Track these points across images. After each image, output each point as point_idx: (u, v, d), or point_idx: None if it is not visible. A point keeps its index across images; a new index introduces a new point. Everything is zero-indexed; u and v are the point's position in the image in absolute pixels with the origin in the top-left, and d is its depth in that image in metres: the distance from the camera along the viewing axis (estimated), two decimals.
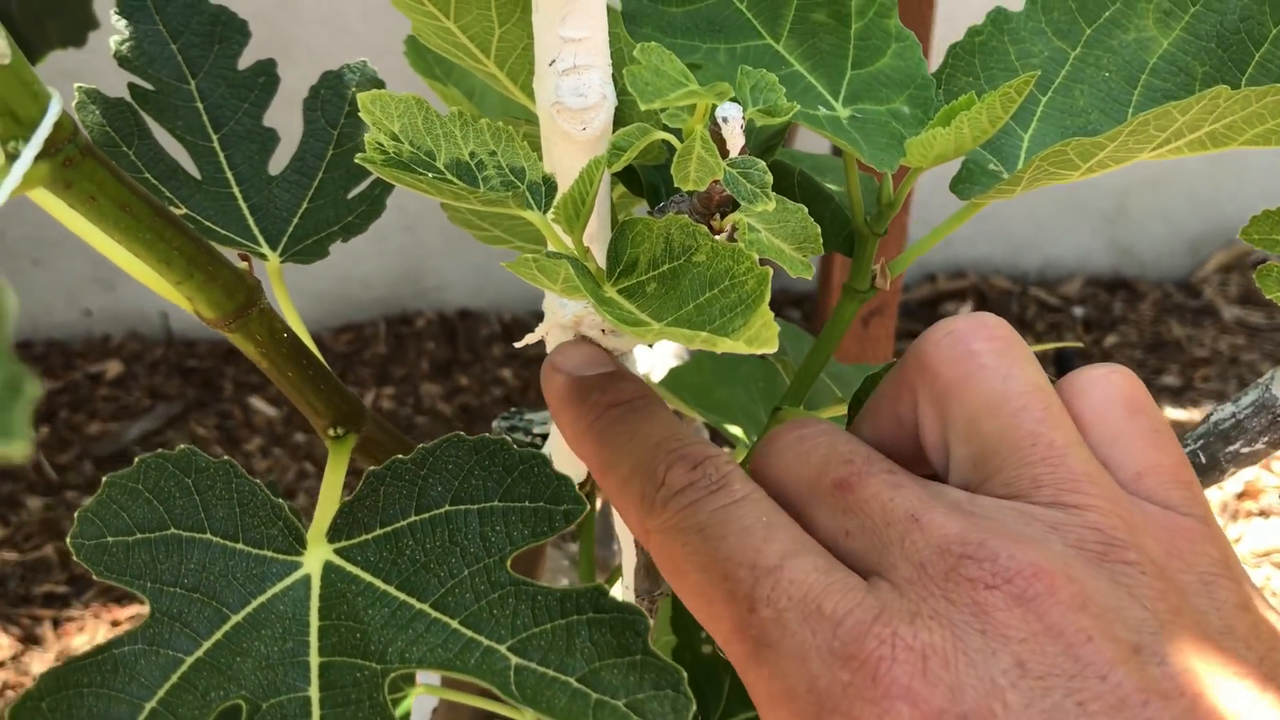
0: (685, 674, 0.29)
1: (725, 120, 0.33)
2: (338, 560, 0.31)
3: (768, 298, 0.30)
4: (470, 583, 0.30)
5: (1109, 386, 0.35)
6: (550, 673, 0.28)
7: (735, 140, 0.34)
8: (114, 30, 0.46)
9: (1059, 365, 2.40)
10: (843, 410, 0.50)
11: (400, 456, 0.31)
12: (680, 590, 0.33)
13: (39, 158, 0.26)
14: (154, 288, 0.33)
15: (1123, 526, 0.31)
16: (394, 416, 2.20)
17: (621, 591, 0.46)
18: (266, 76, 0.47)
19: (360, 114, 0.34)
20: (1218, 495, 2.02)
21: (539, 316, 2.61)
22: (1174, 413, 2.24)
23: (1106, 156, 0.37)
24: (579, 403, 0.37)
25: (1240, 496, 2.03)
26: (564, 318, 0.40)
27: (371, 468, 0.32)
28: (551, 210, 0.34)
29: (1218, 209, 2.61)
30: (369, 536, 0.31)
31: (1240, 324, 2.51)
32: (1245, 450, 0.45)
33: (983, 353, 0.34)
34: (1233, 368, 2.39)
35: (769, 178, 0.33)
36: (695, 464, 0.34)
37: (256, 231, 0.44)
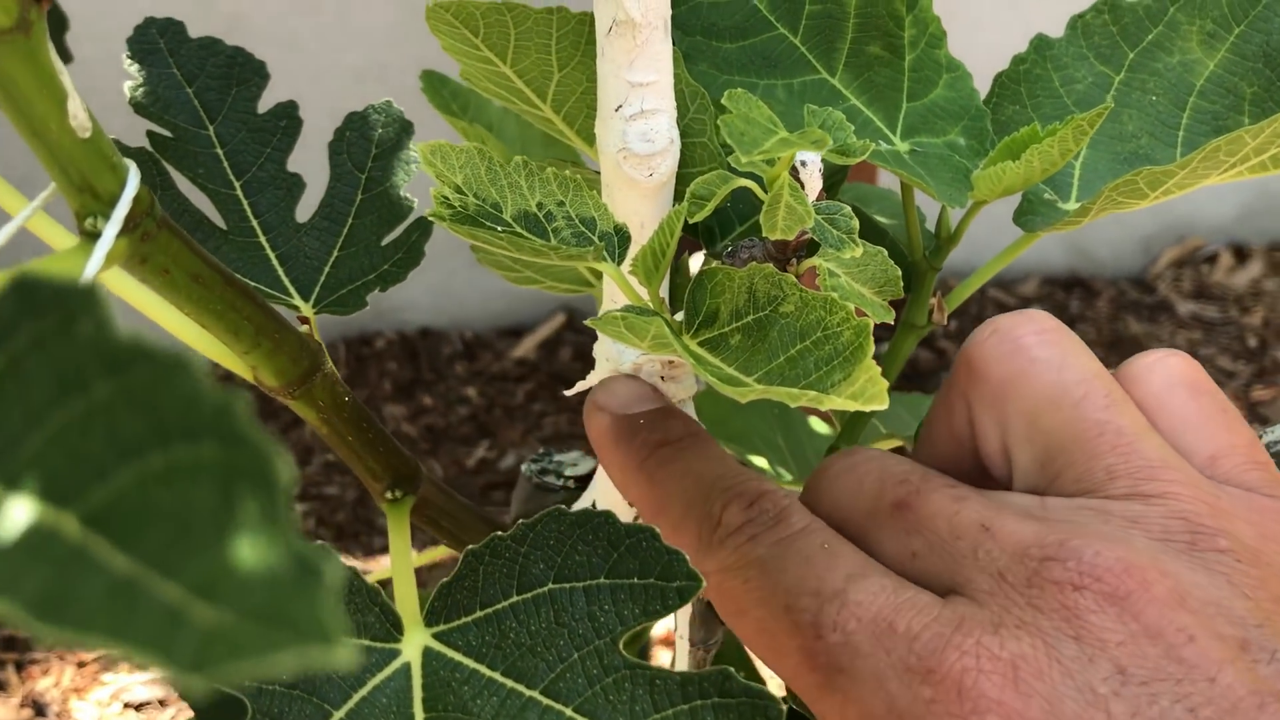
0: None
1: (804, 164, 0.32)
2: (437, 646, 0.29)
3: (870, 350, 0.29)
4: (581, 666, 0.28)
5: (1168, 370, 0.33)
6: None
7: (814, 184, 0.33)
8: (127, 75, 0.44)
9: None
10: (892, 443, 0.49)
11: (499, 534, 0.30)
12: (743, 632, 0.32)
13: (119, 234, 0.24)
14: (215, 357, 0.31)
15: (1209, 512, 0.29)
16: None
17: (676, 642, 0.45)
18: (289, 120, 0.45)
19: (422, 167, 0.33)
20: None
21: (501, 333, 2.58)
22: None
23: (1175, 184, 0.36)
24: (626, 442, 0.36)
25: None
26: (623, 365, 0.39)
27: (470, 546, 0.30)
28: (628, 263, 0.32)
29: (1168, 206, 2.65)
30: (469, 619, 0.29)
31: (1195, 319, 2.54)
32: None
33: (1033, 345, 0.32)
34: None
35: (855, 222, 0.32)
36: (751, 500, 0.33)
37: (287, 282, 0.43)
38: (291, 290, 0.43)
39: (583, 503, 0.48)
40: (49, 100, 0.23)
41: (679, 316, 0.34)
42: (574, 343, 2.35)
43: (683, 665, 0.46)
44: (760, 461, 0.61)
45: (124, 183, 0.24)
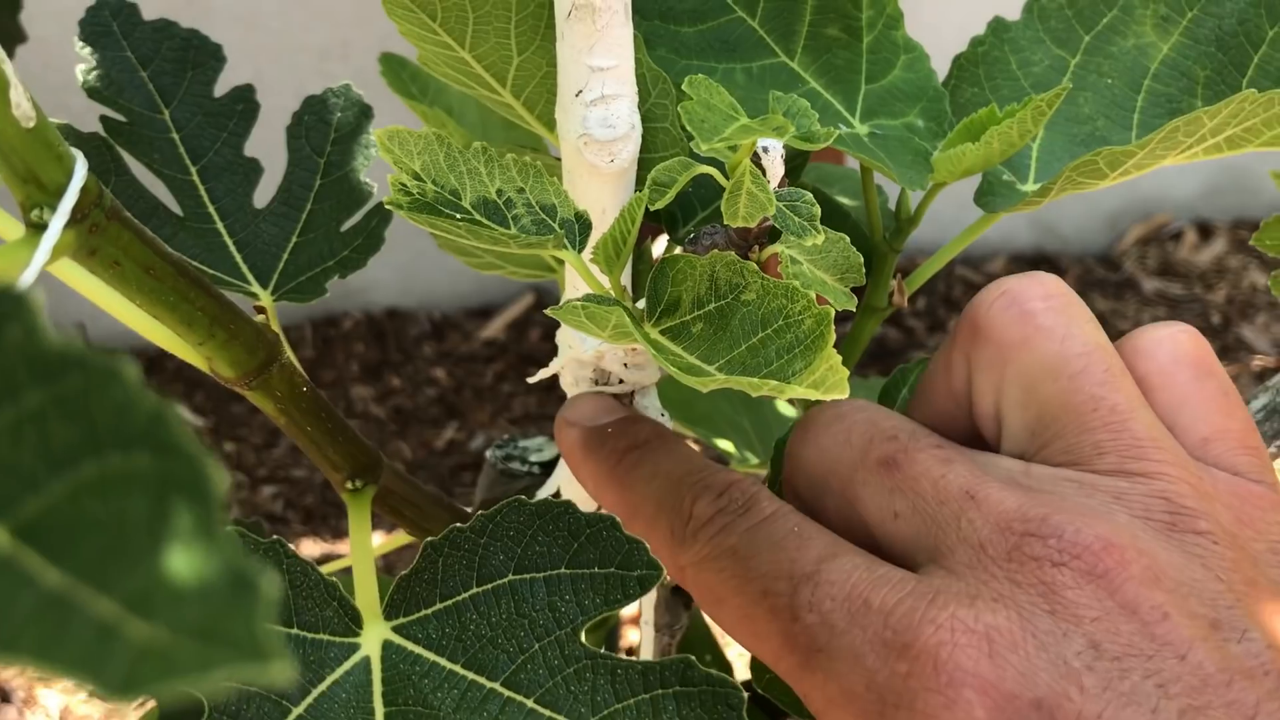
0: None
1: (766, 150, 0.32)
2: (397, 639, 0.29)
3: (831, 339, 0.29)
4: (542, 657, 0.28)
5: (1175, 346, 0.33)
6: None
7: (776, 171, 0.33)
8: (80, 58, 0.44)
9: None
10: None
11: (459, 525, 0.30)
12: (723, 621, 0.32)
13: (66, 225, 0.24)
14: (169, 347, 0.31)
15: (1191, 494, 0.30)
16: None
17: (641, 628, 0.45)
18: (245, 104, 0.45)
19: (379, 153, 0.33)
20: None
21: (470, 314, 2.57)
22: None
23: (1133, 164, 0.37)
24: (595, 451, 0.36)
25: None
26: (584, 353, 0.39)
27: (430, 538, 0.30)
28: (589, 250, 0.32)
29: (1134, 184, 2.66)
30: (428, 611, 0.29)
31: (1160, 295, 2.56)
32: None
33: (1039, 312, 0.32)
34: None
35: (817, 210, 0.32)
36: (720, 491, 0.33)
37: (245, 269, 0.42)
38: (250, 277, 0.42)
39: (547, 488, 0.48)
40: None
41: (641, 303, 0.34)
42: (543, 323, 2.34)
43: (648, 650, 0.46)
44: (726, 444, 0.61)
45: (71, 173, 0.24)
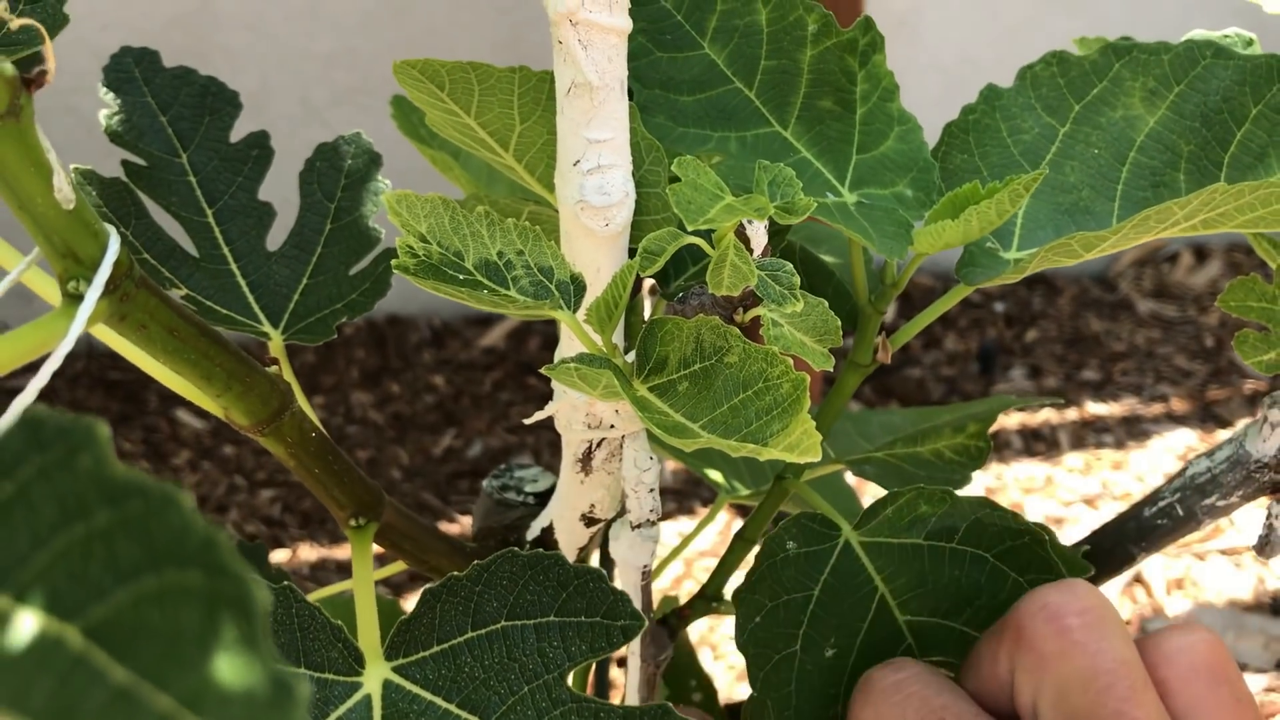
0: None
1: (750, 223, 0.34)
2: (396, 679, 0.31)
3: (806, 404, 0.31)
4: (531, 699, 0.30)
5: (1194, 655, 0.37)
6: None
7: (759, 240, 0.35)
8: (103, 104, 0.46)
9: (982, 359, 2.46)
10: (835, 467, 0.51)
11: (456, 574, 0.32)
12: None
13: (99, 296, 0.26)
14: (191, 398, 0.33)
15: None
16: (325, 426, 2.16)
17: (629, 658, 0.47)
18: (260, 149, 0.47)
19: (389, 216, 0.35)
20: (1138, 487, 2.09)
21: (470, 322, 2.59)
22: (1095, 407, 2.31)
23: (1107, 246, 0.39)
24: None
25: None
26: (577, 399, 0.41)
27: (429, 585, 0.32)
28: (583, 311, 0.34)
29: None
30: (426, 654, 0.31)
31: (1155, 318, 2.58)
32: (1220, 504, 0.48)
33: (1075, 628, 0.36)
34: (1150, 361, 2.46)
35: (796, 279, 0.34)
36: None
37: (257, 309, 0.44)
38: (261, 317, 0.44)
39: (541, 520, 0.50)
40: (36, 177, 0.24)
41: (631, 357, 0.36)
42: (542, 332, 2.36)
43: (634, 679, 0.48)
44: (716, 475, 0.63)
45: (105, 248, 0.26)
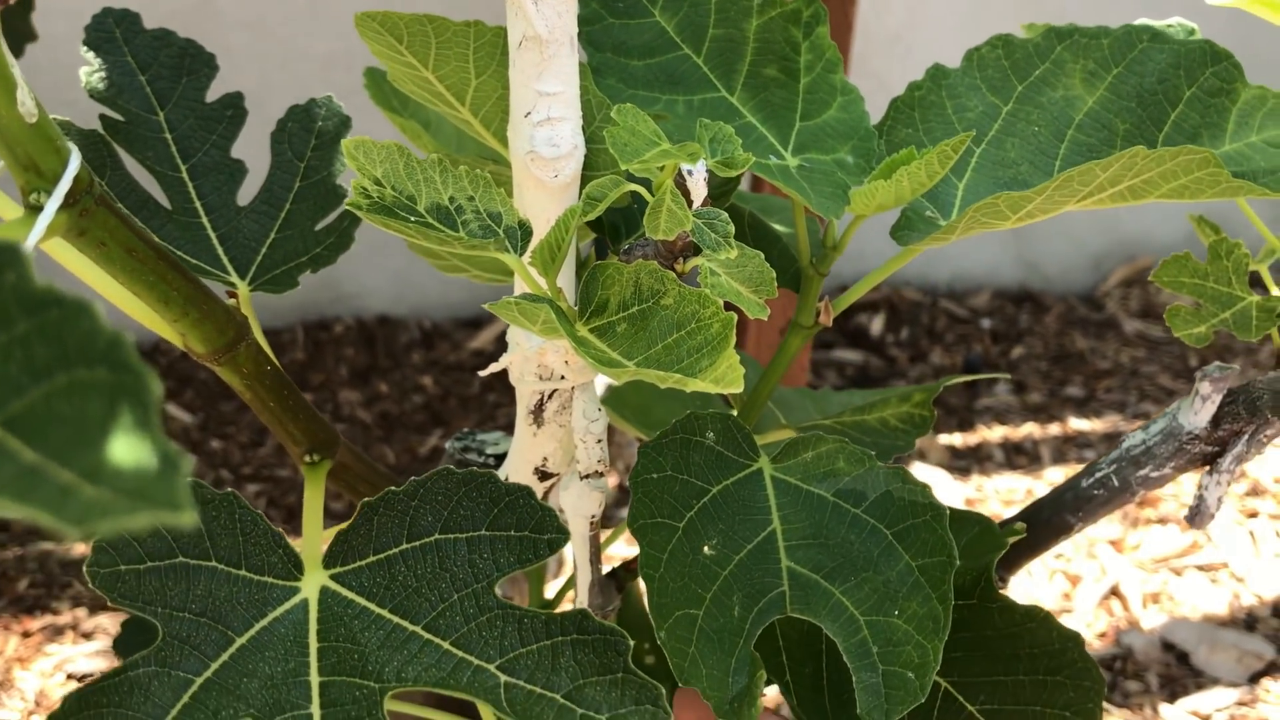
0: (664, 690, 0.31)
1: (690, 173, 0.36)
2: (334, 585, 0.33)
3: (733, 341, 0.33)
4: (460, 606, 0.32)
5: None
6: (538, 690, 0.31)
7: (698, 191, 0.36)
8: (84, 61, 0.47)
9: (967, 373, 2.47)
10: (787, 434, 0.52)
11: (393, 488, 0.34)
12: None
13: (60, 209, 0.28)
14: (148, 324, 0.34)
15: None
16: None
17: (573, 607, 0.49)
18: (234, 109, 0.48)
19: (345, 160, 0.36)
20: None
21: (460, 324, 2.60)
22: (1078, 423, 2.32)
23: (1034, 208, 0.40)
24: None
25: (1140, 504, 2.11)
26: (529, 349, 0.42)
27: (366, 498, 0.34)
28: (528, 254, 0.36)
29: (1119, 226, 2.71)
30: (363, 563, 0.33)
31: (1141, 337, 2.60)
32: (1154, 474, 0.49)
33: None
34: (1134, 379, 2.48)
35: (731, 227, 0.35)
36: None
37: (226, 261, 0.46)
38: (229, 268, 0.46)
39: (498, 475, 0.51)
40: (1, 90, 0.26)
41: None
42: None
43: None
44: None
45: (66, 163, 0.28)
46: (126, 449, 0.14)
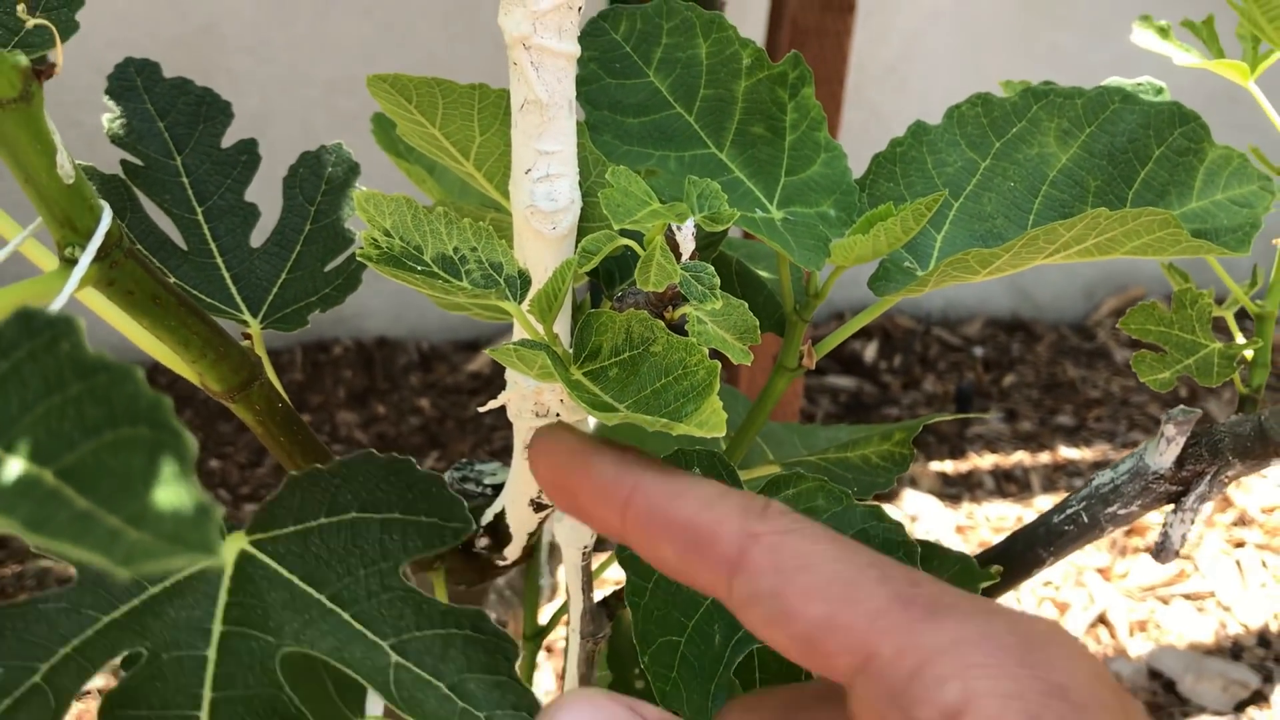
0: (540, 704, 0.34)
1: (678, 229, 0.38)
2: (251, 549, 0.36)
3: (717, 387, 0.35)
4: (365, 582, 0.35)
5: None
6: (425, 675, 0.33)
7: (687, 245, 0.39)
8: (106, 108, 0.50)
9: (959, 402, 2.50)
10: (774, 469, 0.55)
11: (319, 466, 0.36)
12: (804, 584, 0.32)
13: (92, 261, 0.30)
14: (167, 363, 0.37)
15: None
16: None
17: (566, 633, 0.51)
18: (248, 155, 0.51)
19: (357, 212, 0.39)
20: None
21: (458, 346, 2.62)
22: (1068, 451, 2.35)
23: (1002, 264, 0.43)
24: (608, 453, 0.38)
25: (1128, 533, 2.13)
26: (526, 388, 0.44)
27: (293, 472, 0.37)
28: (527, 302, 0.38)
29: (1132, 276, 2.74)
30: (281, 532, 0.36)
31: (1130, 366, 2.62)
32: (1122, 512, 0.51)
33: None
34: (1124, 408, 2.51)
35: (717, 280, 0.38)
36: None
37: (239, 300, 0.48)
38: (242, 307, 0.48)
39: (494, 508, 0.53)
40: (42, 155, 0.28)
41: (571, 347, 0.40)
42: None
43: (574, 656, 0.52)
44: None
45: (99, 220, 0.30)
46: (166, 498, 0.16)
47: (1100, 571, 2.07)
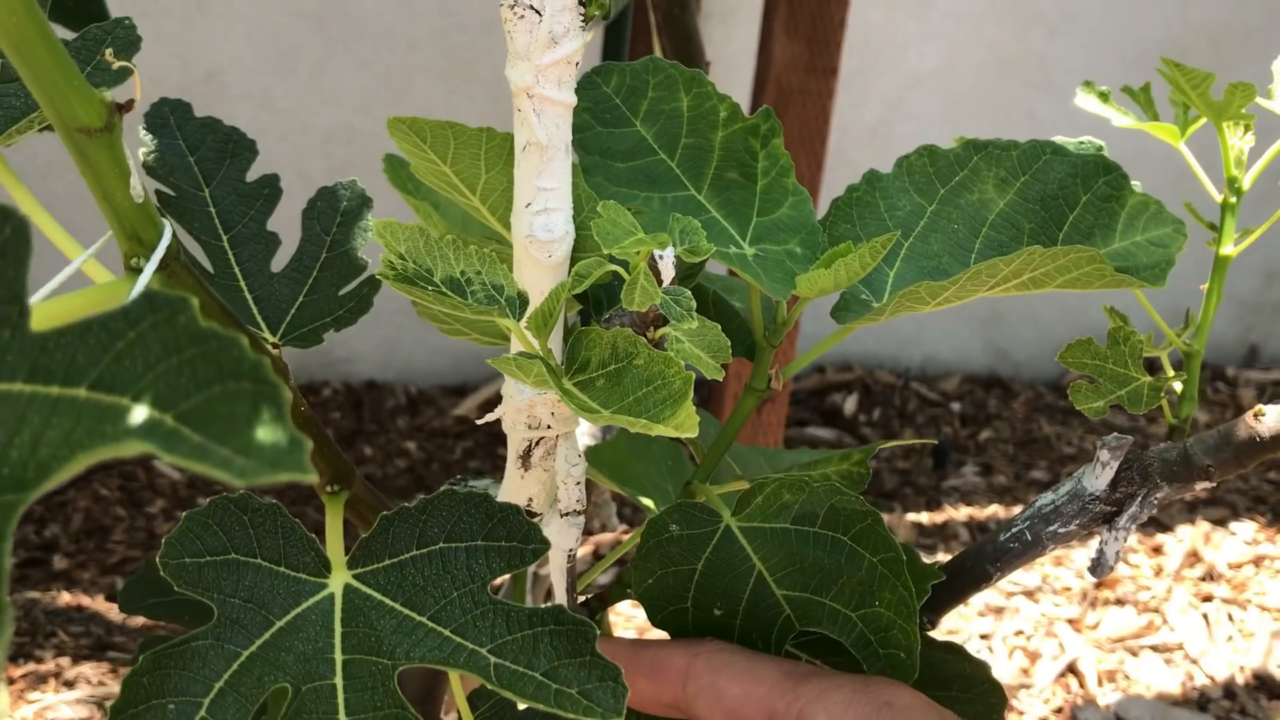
0: (623, 669, 0.38)
1: (661, 258, 0.44)
2: (355, 583, 0.40)
3: (690, 395, 0.40)
4: (459, 602, 0.39)
5: None
6: (521, 669, 0.37)
7: (667, 273, 0.44)
8: (142, 143, 0.55)
9: (936, 456, 2.55)
10: (743, 484, 0.59)
11: (406, 504, 0.41)
12: None
13: (154, 271, 0.35)
14: None
15: None
16: (297, 484, 2.23)
17: None
18: (270, 189, 0.56)
19: (374, 237, 0.44)
20: (1078, 583, 2.16)
21: (445, 391, 2.66)
22: None
23: (950, 295, 0.48)
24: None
25: (1098, 586, 2.17)
26: (521, 401, 0.49)
27: (384, 513, 0.41)
28: (525, 320, 0.43)
29: (1085, 315, 2.81)
30: (380, 565, 0.40)
31: (1105, 424, 2.69)
32: (1062, 530, 0.56)
33: None
34: None
35: (693, 303, 0.43)
36: None
37: (260, 320, 0.53)
38: (263, 326, 0.53)
39: None
40: (119, 177, 0.33)
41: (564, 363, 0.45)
42: None
43: None
44: (649, 502, 0.72)
45: (161, 234, 0.35)
46: (266, 434, 0.20)
47: (1071, 622, 2.11)
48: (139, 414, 0.21)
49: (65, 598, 1.96)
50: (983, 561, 0.58)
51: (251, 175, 0.58)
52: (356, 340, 2.56)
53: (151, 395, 0.21)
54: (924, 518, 2.36)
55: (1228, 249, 0.57)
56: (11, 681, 1.83)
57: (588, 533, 1.87)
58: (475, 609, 0.39)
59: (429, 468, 2.35)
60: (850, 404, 2.68)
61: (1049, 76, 2.60)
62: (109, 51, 0.38)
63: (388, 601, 0.39)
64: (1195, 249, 0.56)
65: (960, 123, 2.55)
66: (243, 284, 0.54)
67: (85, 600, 1.95)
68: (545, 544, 0.41)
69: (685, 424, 0.39)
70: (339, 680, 0.38)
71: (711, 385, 2.54)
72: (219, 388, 0.21)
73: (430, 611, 0.39)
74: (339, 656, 0.38)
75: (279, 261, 0.55)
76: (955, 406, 2.75)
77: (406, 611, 0.39)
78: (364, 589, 0.40)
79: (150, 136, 0.55)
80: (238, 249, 0.54)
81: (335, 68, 2.34)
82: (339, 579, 0.40)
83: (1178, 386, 0.57)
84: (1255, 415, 0.53)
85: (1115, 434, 0.54)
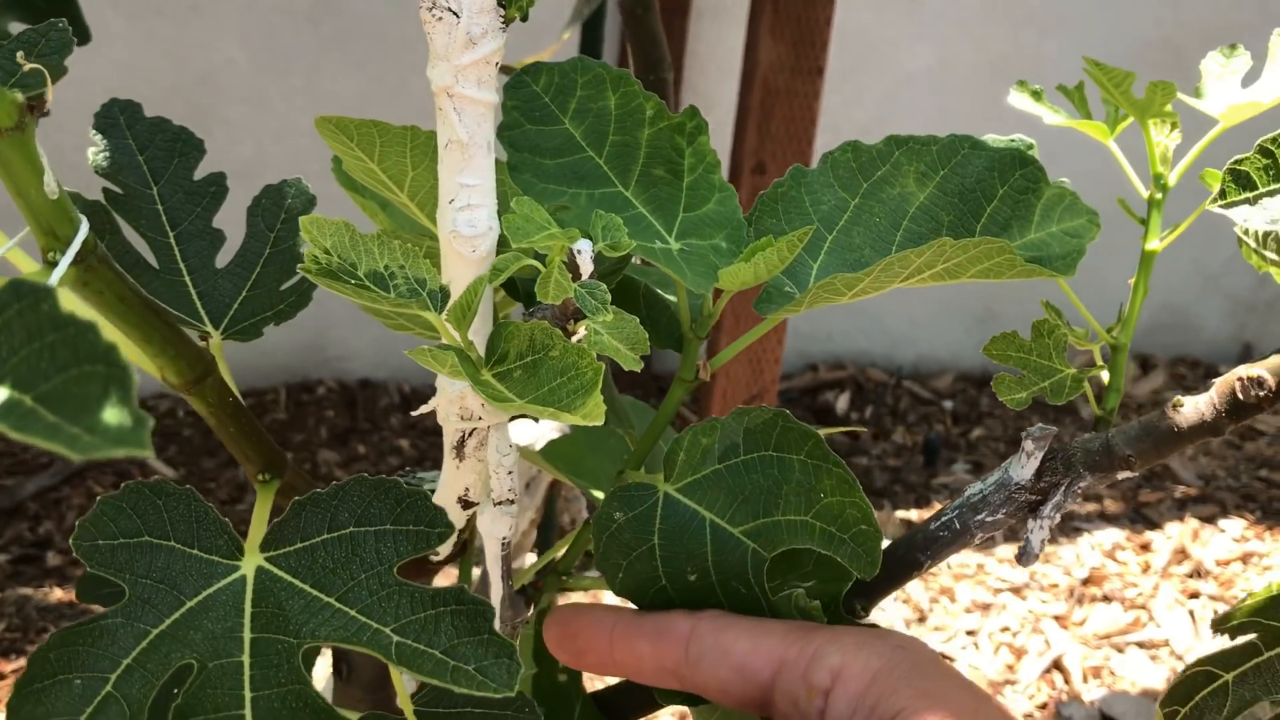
0: (517, 648, 0.40)
1: (580, 253, 0.45)
2: (267, 565, 0.41)
3: (599, 386, 0.41)
4: (366, 584, 0.40)
5: None
6: (421, 647, 0.39)
7: (586, 267, 0.45)
8: (91, 143, 0.56)
9: (927, 453, 2.56)
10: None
11: (319, 489, 0.42)
12: None
13: (70, 265, 0.36)
14: (133, 358, 0.43)
15: None
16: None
17: None
18: (217, 186, 0.57)
19: (302, 233, 0.45)
20: (1065, 580, 2.18)
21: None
22: None
23: (865, 286, 0.49)
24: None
25: (1085, 582, 2.18)
26: (451, 393, 0.51)
27: (296, 497, 0.42)
28: (445, 312, 0.45)
29: (1075, 315, 2.82)
30: (291, 549, 0.42)
31: (1105, 424, 2.68)
32: (989, 519, 0.58)
33: None
34: None
35: (609, 296, 0.44)
36: None
37: (203, 314, 0.54)
38: (206, 320, 0.54)
39: None
40: (33, 174, 0.34)
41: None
42: None
43: None
44: (598, 493, 0.73)
45: (77, 230, 0.36)
46: (113, 415, 0.22)
47: (1057, 619, 2.12)
48: (1, 393, 0.23)
49: (58, 594, 1.98)
50: (914, 550, 0.59)
51: (249, 181, 0.59)
52: (351, 339, 2.58)
53: (13, 378, 0.23)
54: (913, 515, 2.37)
55: (1153, 244, 0.58)
56: (3, 677, 1.85)
57: (561, 528, 1.88)
58: (381, 590, 0.40)
59: (422, 465, 2.37)
60: (842, 402, 2.69)
61: (1040, 75, 2.61)
62: (20, 55, 0.40)
63: (297, 583, 0.41)
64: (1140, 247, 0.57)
65: (952, 122, 2.56)
66: (188, 279, 0.55)
67: None
68: (451, 528, 0.42)
69: (593, 413, 0.41)
70: (246, 658, 0.39)
71: (701, 385, 2.55)
72: (75, 370, 0.23)
73: (338, 593, 0.40)
74: (247, 635, 0.40)
75: (224, 258, 0.57)
76: (947, 404, 2.76)
77: (315, 593, 0.40)
78: (275, 571, 0.41)
79: (100, 136, 0.57)
80: (183, 245, 0.56)
81: (329, 70, 2.35)
82: (251, 561, 0.41)
83: (1104, 377, 0.59)
84: (1174, 406, 0.54)
85: (1040, 425, 0.55)
